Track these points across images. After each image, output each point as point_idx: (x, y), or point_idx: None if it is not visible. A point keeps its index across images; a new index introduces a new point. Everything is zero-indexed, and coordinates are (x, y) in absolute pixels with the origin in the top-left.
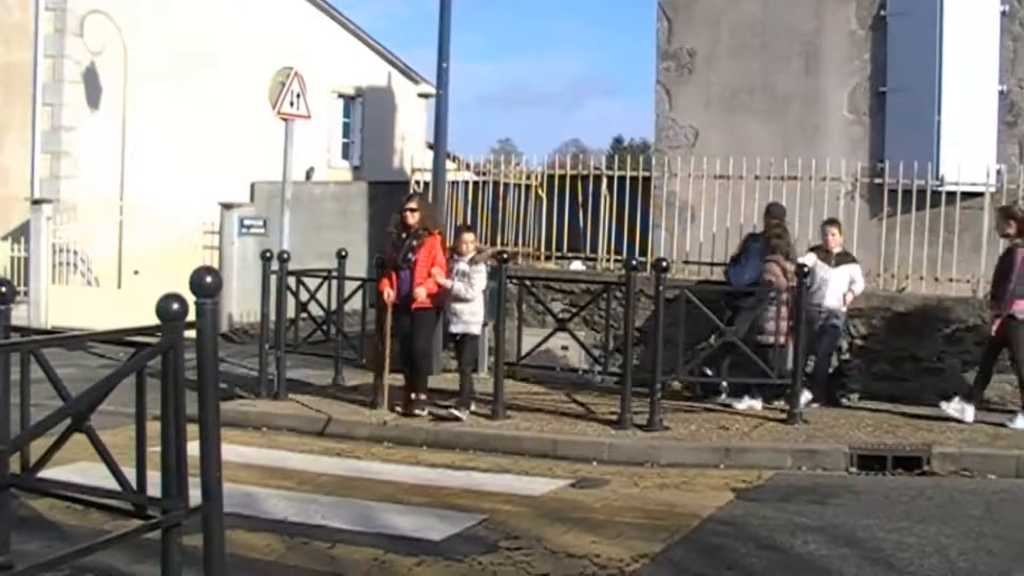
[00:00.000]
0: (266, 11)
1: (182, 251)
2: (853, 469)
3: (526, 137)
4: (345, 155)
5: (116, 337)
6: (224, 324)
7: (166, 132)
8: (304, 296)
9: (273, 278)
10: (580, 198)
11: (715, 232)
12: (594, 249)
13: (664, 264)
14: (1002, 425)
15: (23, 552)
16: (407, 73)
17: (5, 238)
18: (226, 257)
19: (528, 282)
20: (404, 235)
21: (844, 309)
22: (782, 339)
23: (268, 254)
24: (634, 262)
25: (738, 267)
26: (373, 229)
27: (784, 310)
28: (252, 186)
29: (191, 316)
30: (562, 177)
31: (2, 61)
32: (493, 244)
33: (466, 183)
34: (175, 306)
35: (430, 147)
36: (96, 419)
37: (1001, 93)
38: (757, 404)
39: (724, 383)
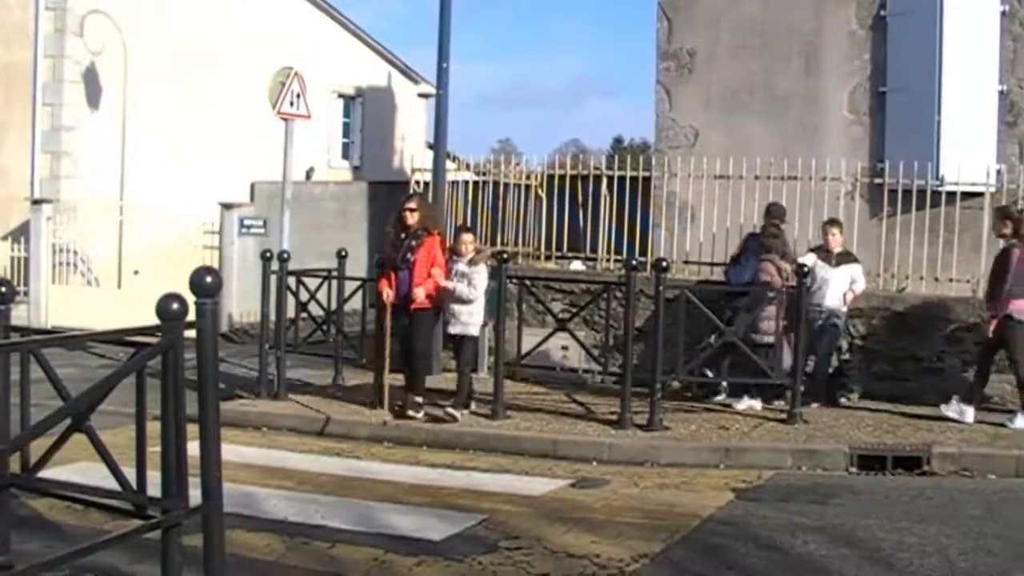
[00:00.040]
0: (266, 11)
1: (182, 251)
2: (853, 469)
3: (526, 137)
4: (345, 155)
5: (116, 337)
6: (224, 324)
7: (166, 132)
8: (304, 296)
9: (273, 278)
10: (580, 198)
11: (715, 232)
12: (594, 249)
13: (664, 264)
14: (1002, 425)
15: (23, 552)
16: (407, 73)
17: (5, 238)
18: (226, 257)
19: (528, 282)
20: (403, 235)
21: (844, 309)
22: (769, 339)
23: (268, 254)
24: (634, 262)
25: (738, 267)
26: (373, 229)
27: (775, 309)
28: (252, 186)
29: (191, 316)
30: (562, 177)
31: (2, 61)
32: (493, 244)
33: (466, 183)
34: (175, 306)
35: (430, 147)
36: (96, 419)
37: (1001, 93)
38: (757, 404)
39: (724, 383)
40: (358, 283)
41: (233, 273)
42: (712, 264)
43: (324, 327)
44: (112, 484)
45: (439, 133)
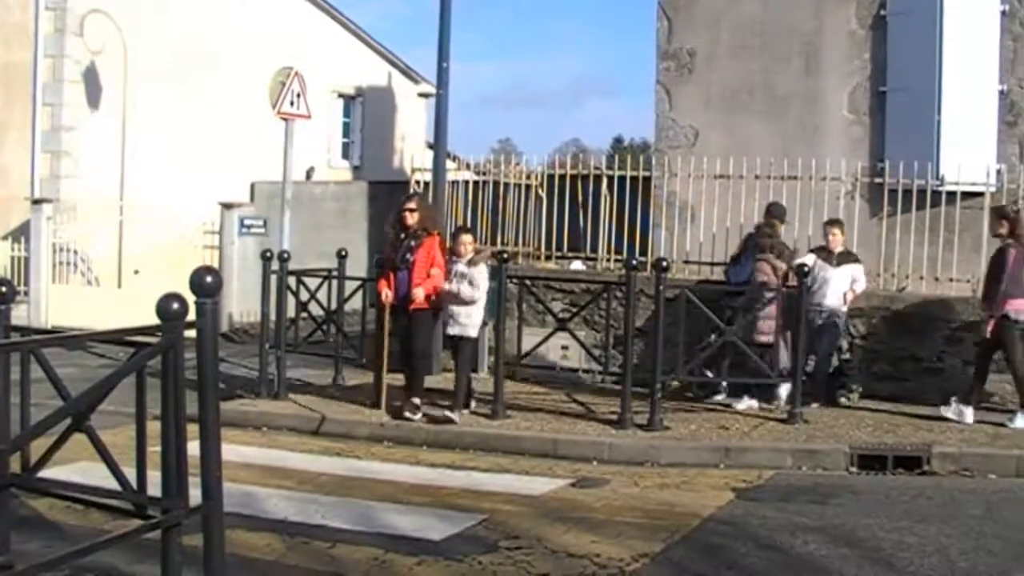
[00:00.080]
0: (266, 11)
1: (182, 251)
2: (853, 469)
3: (526, 137)
4: (345, 155)
5: (116, 337)
6: (224, 324)
7: (166, 132)
8: (304, 296)
9: (273, 278)
10: (580, 198)
11: (715, 232)
12: (594, 249)
13: (664, 264)
14: (1002, 425)
15: (23, 552)
16: (407, 73)
17: (5, 238)
18: (226, 257)
19: (528, 282)
20: (403, 235)
21: (845, 309)
22: (771, 338)
23: (268, 254)
24: (634, 262)
25: (738, 267)
26: (373, 229)
27: (774, 309)
28: (252, 186)
29: (191, 316)
30: (562, 177)
31: (2, 61)
32: (493, 244)
33: (466, 183)
34: (175, 306)
35: (430, 147)
36: (96, 419)
37: (1001, 93)
38: (756, 404)
39: (724, 383)
40: (358, 283)
41: (233, 273)
42: (712, 264)
43: (324, 327)
44: (112, 484)
45: (439, 133)
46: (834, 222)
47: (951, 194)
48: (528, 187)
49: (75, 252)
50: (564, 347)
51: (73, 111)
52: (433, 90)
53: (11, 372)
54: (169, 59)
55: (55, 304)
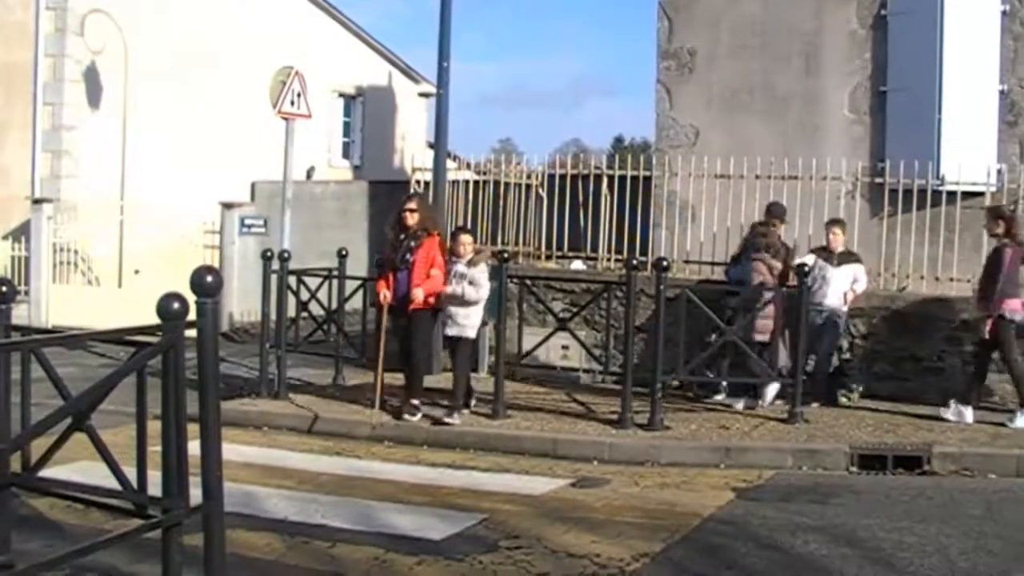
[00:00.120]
0: (266, 11)
1: (183, 250)
2: (854, 469)
3: (526, 137)
4: (346, 154)
5: (117, 336)
6: (225, 323)
7: (167, 131)
8: (305, 295)
9: (274, 277)
10: (581, 198)
11: (716, 232)
12: (595, 248)
13: (665, 263)
14: (1002, 425)
15: (24, 551)
16: (408, 72)
17: (6, 237)
18: (227, 256)
19: (529, 281)
20: (402, 236)
21: (845, 308)
22: (768, 337)
23: (269, 253)
24: (635, 261)
25: (738, 266)
26: (373, 228)
27: (771, 308)
28: (253, 185)
29: (192, 315)
30: (563, 176)
31: (3, 60)
32: (494, 243)
33: (467, 182)
34: (176, 305)
35: (431, 146)
36: (97, 418)
37: (1002, 92)
38: (756, 403)
39: (724, 383)
40: (359, 282)
41: (234, 272)
42: (713, 263)
43: (325, 326)
44: (113, 483)
45: (440, 132)
46: (835, 222)
47: (951, 194)
48: (529, 187)
49: (75, 252)
50: (564, 347)
51: (74, 111)
52: (433, 90)
53: (12, 371)
54: (170, 59)
55: (55, 304)
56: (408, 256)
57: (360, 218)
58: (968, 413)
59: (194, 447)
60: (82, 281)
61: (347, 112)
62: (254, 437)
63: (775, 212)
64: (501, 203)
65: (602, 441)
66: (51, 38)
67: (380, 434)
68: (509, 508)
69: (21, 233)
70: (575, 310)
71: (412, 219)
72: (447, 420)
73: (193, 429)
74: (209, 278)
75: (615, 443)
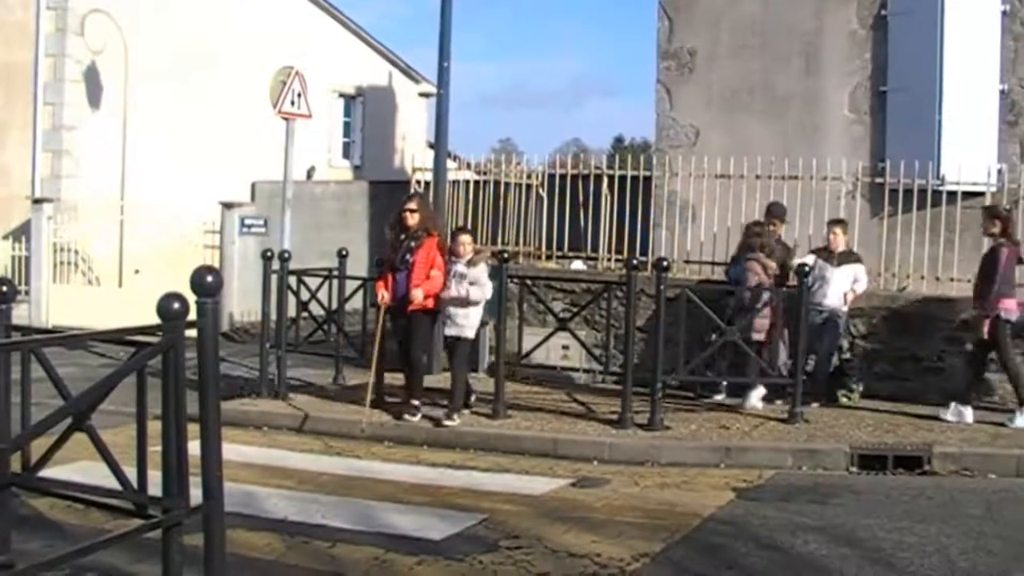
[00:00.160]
0: (267, 11)
1: (183, 250)
2: (854, 469)
3: (527, 137)
4: (346, 154)
5: (117, 336)
6: (225, 323)
7: (167, 131)
8: (305, 295)
9: (274, 277)
10: (581, 197)
11: (716, 231)
12: (595, 248)
13: (665, 263)
14: (1002, 424)
15: (24, 551)
16: (408, 72)
17: (6, 237)
18: (227, 256)
19: (529, 281)
20: (402, 236)
21: (845, 308)
22: (762, 336)
23: (269, 253)
24: (635, 261)
25: (738, 266)
26: (374, 228)
27: (767, 308)
28: (253, 185)
29: (192, 315)
30: (563, 176)
31: (3, 60)
32: (494, 243)
33: (467, 183)
34: (176, 305)
35: (431, 146)
36: (97, 418)
37: (1002, 92)
38: (757, 403)
39: (723, 383)
40: (359, 282)
41: (234, 272)
42: (713, 263)
43: (325, 326)
44: (113, 483)
45: (440, 132)
46: (836, 222)
47: (952, 194)
48: (529, 187)
49: (76, 252)
50: (565, 347)
51: (74, 110)
52: (434, 90)
53: (12, 371)
54: (170, 59)
55: (56, 304)
56: (408, 256)
57: (360, 218)
58: (968, 413)
59: (194, 447)
60: (82, 281)
61: (347, 112)
62: (254, 437)
63: (775, 212)
64: (501, 203)
65: (602, 441)
66: (51, 38)
67: (380, 434)
68: (509, 508)
69: (21, 233)
70: (575, 310)
71: (412, 219)
72: (446, 423)
73: (193, 429)
74: (209, 278)
75: (615, 443)
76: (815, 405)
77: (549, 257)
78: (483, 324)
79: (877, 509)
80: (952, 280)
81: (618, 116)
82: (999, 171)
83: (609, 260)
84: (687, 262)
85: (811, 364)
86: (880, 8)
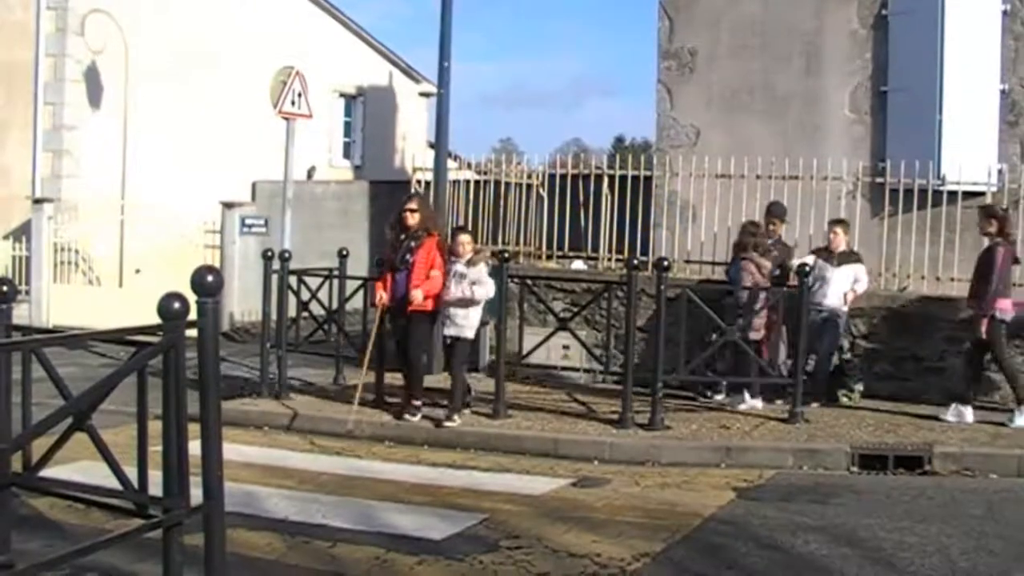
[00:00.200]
0: (267, 11)
1: (183, 250)
2: (854, 468)
3: (527, 136)
4: (346, 154)
5: (117, 336)
6: (225, 323)
7: (167, 131)
8: (305, 295)
9: (274, 277)
10: (581, 197)
11: (716, 231)
12: (595, 248)
13: (665, 263)
14: (1002, 424)
15: (24, 551)
16: (408, 72)
17: (7, 237)
18: (227, 256)
19: (529, 281)
20: (403, 236)
21: (845, 308)
22: (757, 335)
23: (269, 253)
24: (635, 261)
25: (735, 266)
26: (374, 228)
27: (763, 307)
28: (253, 185)
29: (192, 315)
30: (563, 176)
31: (4, 60)
32: (494, 243)
33: (467, 182)
34: (176, 305)
35: (431, 146)
36: (97, 418)
37: (1002, 92)
38: (758, 403)
39: (723, 382)
40: (359, 282)
41: (234, 272)
42: (713, 263)
43: (325, 326)
44: (113, 483)
45: (440, 132)
46: (837, 222)
47: (952, 194)
48: (529, 187)
49: (76, 251)
50: (565, 347)
51: (74, 110)
52: (434, 89)
53: (12, 371)
54: (170, 59)
55: (56, 303)
56: (408, 256)
57: (361, 218)
58: (968, 413)
59: (195, 447)
60: (83, 281)
61: (348, 112)
62: (255, 437)
63: (775, 212)
64: (502, 203)
65: (603, 441)
66: (52, 38)
67: (381, 434)
68: (510, 508)
69: (22, 233)
70: (576, 310)
71: (412, 219)
72: (447, 423)
73: (194, 429)
74: (210, 278)
75: (616, 443)
76: (815, 405)
77: (550, 257)
78: (483, 324)
79: (878, 509)
80: (952, 280)
81: (618, 116)
82: (999, 171)
83: (609, 260)
84: (687, 262)
85: (811, 364)
86: (880, 8)
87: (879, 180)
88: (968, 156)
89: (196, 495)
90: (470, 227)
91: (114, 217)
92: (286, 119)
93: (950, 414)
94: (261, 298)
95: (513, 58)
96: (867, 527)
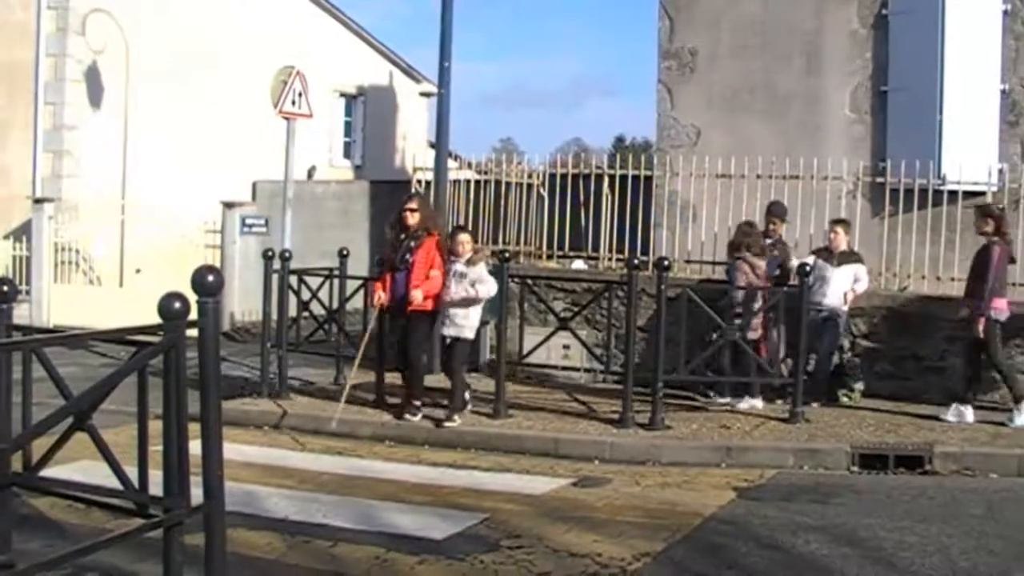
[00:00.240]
0: (267, 10)
1: (184, 250)
2: (855, 468)
3: (527, 136)
4: (347, 154)
5: (118, 336)
6: (226, 323)
7: (168, 131)
8: (306, 295)
9: (275, 277)
10: (582, 197)
11: (717, 231)
12: (596, 248)
13: (666, 263)
14: (1003, 424)
15: (25, 551)
16: (409, 72)
17: (7, 237)
18: (228, 256)
19: (530, 281)
20: (403, 236)
21: (845, 308)
22: (755, 335)
23: (270, 253)
24: (636, 261)
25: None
26: (375, 228)
27: (758, 306)
28: (254, 185)
29: (193, 315)
30: (564, 176)
31: (4, 60)
32: (495, 243)
33: (468, 182)
34: (177, 305)
35: (432, 146)
36: (98, 418)
37: (1003, 92)
38: (758, 403)
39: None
40: (360, 282)
41: (235, 272)
42: (714, 263)
43: (326, 326)
44: (114, 483)
45: (441, 132)
46: (838, 221)
47: (952, 193)
48: (530, 186)
49: (77, 251)
50: (566, 346)
51: (75, 110)
52: (434, 89)
53: (13, 371)
54: (171, 58)
55: (57, 303)
56: (407, 256)
57: (361, 218)
58: (968, 413)
59: (195, 446)
60: (83, 281)
61: (348, 112)
62: (255, 436)
63: (775, 211)
64: (502, 203)
65: (603, 440)
66: (52, 38)
67: (381, 433)
68: (510, 507)
69: (22, 233)
70: (576, 310)
71: (412, 219)
72: (447, 423)
73: (194, 428)
74: (210, 277)
75: (616, 443)
76: (816, 405)
77: (550, 257)
78: (484, 323)
79: (878, 509)
80: (953, 280)
81: (619, 116)
82: (1000, 171)
83: (610, 260)
84: (688, 262)
85: (811, 364)
86: (881, 8)
87: (879, 180)
88: (968, 156)
89: (196, 495)
90: (470, 227)
91: (114, 217)
92: (286, 119)
93: (950, 414)
94: (262, 298)
95: (513, 58)
96: (867, 527)
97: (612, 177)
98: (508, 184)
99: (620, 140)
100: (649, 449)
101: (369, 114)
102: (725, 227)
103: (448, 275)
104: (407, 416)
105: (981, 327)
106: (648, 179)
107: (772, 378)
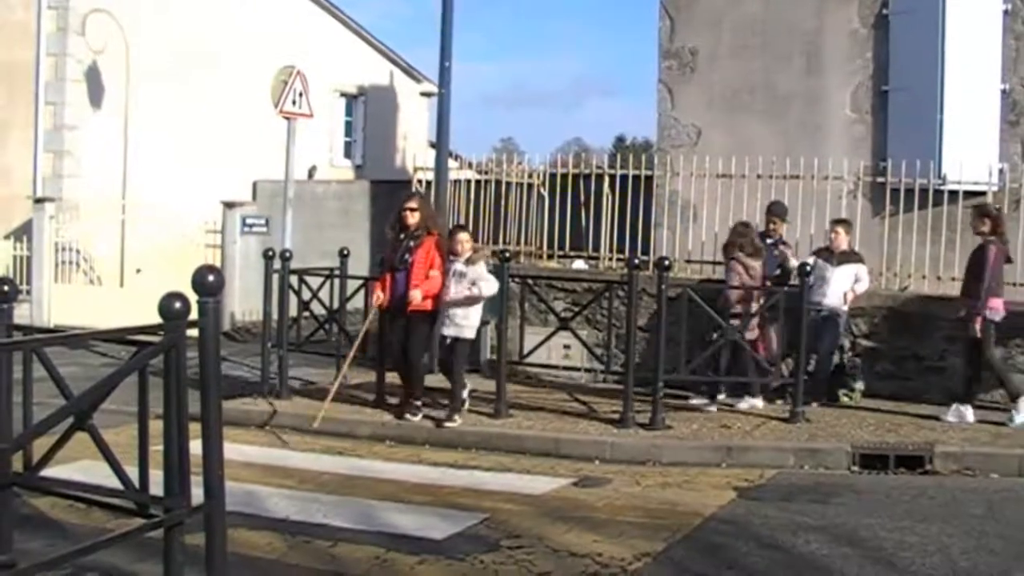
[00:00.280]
0: (268, 10)
1: (184, 250)
2: (855, 468)
3: (528, 136)
4: (347, 154)
5: (118, 336)
6: (226, 323)
7: (168, 131)
8: (306, 295)
9: (275, 277)
10: (582, 197)
11: (717, 231)
12: (596, 248)
13: (666, 263)
14: (1003, 424)
15: (25, 551)
16: (409, 72)
17: (8, 237)
18: (228, 256)
19: (530, 281)
20: (402, 235)
21: (846, 308)
22: (752, 334)
23: (270, 253)
24: (636, 261)
25: None
26: (375, 228)
27: (754, 306)
28: (254, 185)
29: (193, 315)
30: (564, 176)
31: (4, 60)
32: (495, 243)
33: (468, 182)
34: (177, 305)
35: (432, 146)
36: (98, 418)
37: (1003, 92)
38: (759, 403)
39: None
40: (360, 282)
41: (235, 272)
42: (714, 263)
43: (326, 326)
44: (114, 483)
45: (441, 132)
46: (839, 221)
47: (953, 193)
48: (530, 186)
49: (77, 251)
50: (566, 346)
51: (75, 110)
52: (435, 89)
53: (13, 371)
54: (171, 58)
55: (57, 303)
56: (407, 256)
57: (362, 218)
58: (969, 413)
59: (196, 446)
60: (84, 280)
61: (349, 111)
62: (256, 436)
63: (776, 211)
64: (503, 203)
65: (604, 440)
66: (53, 37)
67: (382, 433)
68: (511, 507)
69: (23, 232)
70: (577, 309)
71: (412, 219)
72: (448, 424)
73: (195, 428)
74: (211, 277)
75: (617, 442)
76: (816, 404)
77: (551, 256)
78: (484, 323)
79: (878, 508)
80: (953, 279)
81: (619, 116)
82: (1000, 170)
83: (610, 259)
84: (688, 262)
85: (812, 364)
86: (881, 7)
87: (880, 180)
88: (969, 155)
89: (197, 494)
90: (471, 227)
91: (115, 217)
92: (287, 119)
93: (951, 414)
94: (262, 298)
95: (513, 58)
96: (868, 527)
97: (612, 177)
98: (508, 184)
99: (620, 140)
100: (649, 449)
101: (369, 114)
102: (725, 227)
103: (448, 275)
104: (407, 416)
105: (978, 327)
106: (648, 179)
107: (771, 378)
